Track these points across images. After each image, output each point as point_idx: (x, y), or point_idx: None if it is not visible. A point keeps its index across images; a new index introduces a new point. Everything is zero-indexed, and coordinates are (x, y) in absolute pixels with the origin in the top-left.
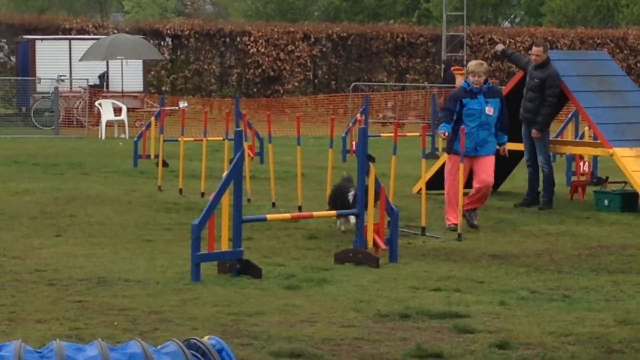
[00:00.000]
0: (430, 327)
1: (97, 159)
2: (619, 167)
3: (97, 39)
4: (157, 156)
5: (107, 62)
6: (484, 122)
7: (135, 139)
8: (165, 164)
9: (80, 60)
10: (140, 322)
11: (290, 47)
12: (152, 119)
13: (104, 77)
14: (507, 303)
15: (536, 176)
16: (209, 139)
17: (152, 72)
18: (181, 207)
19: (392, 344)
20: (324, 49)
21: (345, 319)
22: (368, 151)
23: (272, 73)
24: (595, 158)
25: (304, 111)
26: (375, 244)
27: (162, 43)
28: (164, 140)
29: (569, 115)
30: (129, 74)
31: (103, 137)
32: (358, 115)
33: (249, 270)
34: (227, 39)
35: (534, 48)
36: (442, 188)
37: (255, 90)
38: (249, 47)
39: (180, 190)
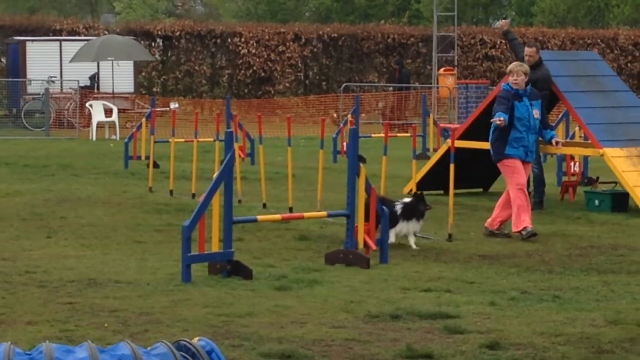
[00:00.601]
0: (421, 328)
1: (87, 160)
2: (609, 168)
3: (87, 40)
4: (147, 157)
5: (98, 63)
6: (532, 127)
7: (126, 140)
8: (156, 165)
9: (70, 61)
10: (130, 324)
11: (281, 48)
12: (143, 120)
13: (94, 78)
14: (498, 303)
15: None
16: (200, 140)
17: (143, 73)
18: (172, 209)
19: (382, 344)
20: (315, 50)
21: (335, 320)
22: (359, 152)
23: (263, 74)
24: (585, 158)
25: (295, 112)
26: (365, 244)
27: (153, 44)
28: (155, 142)
29: (560, 116)
30: (119, 75)
31: (94, 139)
32: (349, 116)
33: (239, 271)
34: (218, 40)
35: (526, 49)
36: (433, 188)
37: (246, 91)
38: (240, 48)
39: (171, 192)
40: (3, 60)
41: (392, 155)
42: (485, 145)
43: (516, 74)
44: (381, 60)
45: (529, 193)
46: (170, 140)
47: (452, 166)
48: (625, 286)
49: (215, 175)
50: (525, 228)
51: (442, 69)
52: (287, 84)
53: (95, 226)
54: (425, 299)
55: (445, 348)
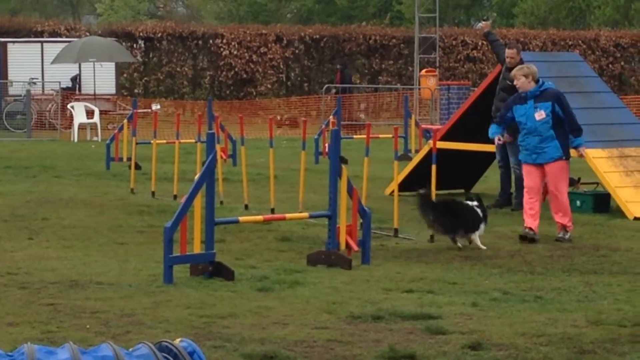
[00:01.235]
0: (403, 329)
1: (69, 161)
2: (590, 168)
3: (69, 41)
4: (129, 159)
5: (80, 65)
6: (531, 129)
7: (107, 141)
8: (137, 167)
9: (52, 62)
10: (112, 325)
11: (262, 50)
12: (125, 121)
13: (76, 79)
14: (480, 304)
15: (508, 177)
16: (182, 141)
17: (125, 75)
18: (154, 210)
19: (364, 345)
20: (297, 51)
21: (317, 321)
22: (340, 153)
23: (244, 75)
24: None
25: (277, 113)
26: (347, 245)
27: (135, 45)
28: (137, 143)
29: None
30: (101, 77)
31: (75, 140)
32: (331, 117)
33: (221, 272)
34: (200, 42)
35: (507, 50)
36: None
37: (228, 92)
38: (222, 49)
39: (153, 193)
40: None
41: (373, 157)
42: (467, 146)
43: (516, 79)
44: (363, 61)
45: (511, 194)
46: (152, 141)
47: (433, 167)
48: (607, 287)
49: (197, 177)
50: (525, 228)
51: (423, 70)
52: (269, 86)
53: (77, 227)
54: (408, 299)
55: (427, 349)
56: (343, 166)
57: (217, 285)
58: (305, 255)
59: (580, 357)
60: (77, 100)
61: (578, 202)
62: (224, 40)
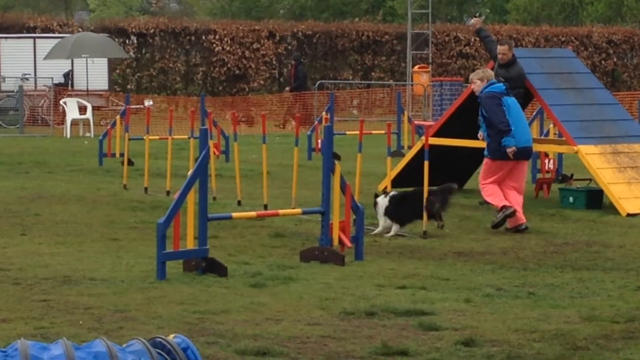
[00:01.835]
0: (396, 325)
1: (62, 157)
2: (583, 165)
3: (62, 37)
4: (122, 155)
5: (72, 61)
6: (480, 125)
7: (100, 137)
8: (130, 163)
9: (45, 58)
10: (105, 321)
11: (255, 45)
12: (118, 117)
13: (68, 75)
14: (473, 300)
15: None
16: (175, 137)
17: (117, 71)
18: (147, 206)
19: (357, 341)
20: (290, 47)
21: (311, 317)
22: (333, 149)
23: (237, 71)
24: (560, 155)
25: (270, 109)
26: (340, 241)
27: (127, 41)
28: (129, 139)
29: (534, 113)
30: (94, 73)
31: (68, 136)
32: (324, 113)
33: (214, 268)
34: (193, 37)
35: (499, 47)
36: (408, 186)
37: (220, 88)
38: (215, 45)
39: (146, 189)
40: None
41: (366, 153)
42: (460, 142)
43: (472, 83)
44: (356, 57)
45: None
46: (144, 137)
47: (426, 163)
48: (600, 283)
49: (190, 173)
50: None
51: (416, 67)
52: (262, 82)
53: (70, 223)
54: (400, 295)
55: (420, 345)
56: (336, 162)
57: (210, 281)
58: (299, 252)
59: (573, 353)
60: (70, 96)
61: (571, 199)
62: (217, 36)
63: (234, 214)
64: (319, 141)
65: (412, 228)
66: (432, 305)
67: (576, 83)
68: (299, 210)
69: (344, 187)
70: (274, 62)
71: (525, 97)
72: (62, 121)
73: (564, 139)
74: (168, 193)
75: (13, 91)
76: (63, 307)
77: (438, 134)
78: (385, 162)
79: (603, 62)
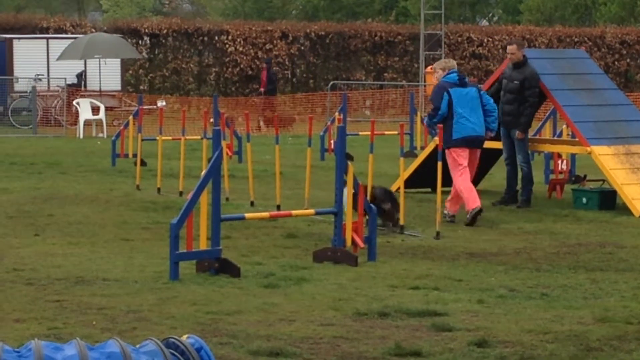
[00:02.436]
0: (409, 326)
1: (75, 158)
2: (597, 165)
3: (74, 38)
4: (135, 155)
5: (85, 61)
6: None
7: (113, 138)
8: (143, 163)
9: (57, 59)
10: (118, 321)
11: (268, 46)
12: (130, 118)
13: (81, 76)
14: (486, 301)
15: (515, 174)
16: (187, 138)
17: (130, 71)
18: (159, 206)
19: (370, 342)
20: (302, 48)
21: (323, 318)
22: (346, 150)
23: (250, 72)
24: (573, 156)
25: (282, 110)
26: (353, 242)
27: (140, 42)
28: (142, 139)
29: (547, 114)
30: (106, 73)
31: (81, 136)
32: (336, 114)
33: (227, 269)
34: (205, 38)
35: (507, 47)
36: (421, 186)
37: (233, 89)
38: (227, 46)
39: (159, 189)
40: None
41: (379, 153)
42: None
43: (435, 72)
44: (368, 58)
45: (517, 191)
46: (157, 138)
47: (439, 164)
48: (613, 284)
49: (203, 173)
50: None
51: (429, 67)
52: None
53: (83, 224)
54: (413, 296)
55: (433, 346)
56: (349, 163)
57: (223, 282)
58: (311, 252)
59: (587, 354)
60: (83, 96)
61: (584, 200)
62: (230, 37)
63: (247, 215)
64: (332, 142)
65: (426, 229)
66: (445, 306)
67: (589, 84)
68: (311, 210)
69: (356, 188)
70: (287, 63)
71: (539, 97)
72: (75, 122)
73: (577, 139)
74: (181, 194)
75: (26, 92)
76: (76, 307)
77: None
78: (397, 163)
79: (616, 62)
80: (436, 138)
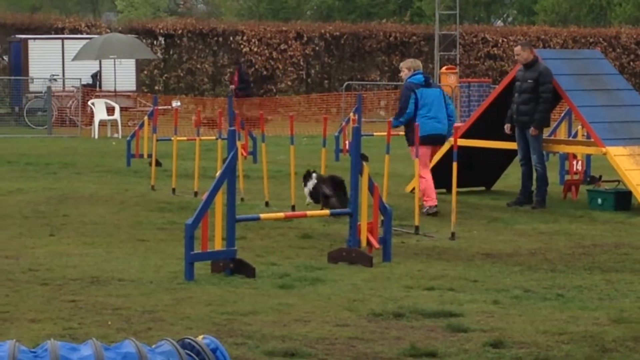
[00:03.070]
0: (424, 326)
1: (90, 158)
2: (612, 166)
3: (89, 38)
4: (150, 155)
5: (100, 62)
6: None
7: (128, 138)
8: (158, 164)
9: (73, 59)
10: (134, 322)
11: (283, 47)
12: (145, 118)
13: (96, 76)
14: (501, 302)
15: (530, 175)
16: (202, 138)
17: (145, 72)
18: (174, 207)
19: (386, 343)
20: (317, 48)
21: (339, 318)
22: (361, 150)
23: (265, 72)
24: (588, 157)
25: (297, 110)
26: (368, 243)
27: (155, 42)
28: (157, 140)
29: (562, 114)
30: (121, 74)
31: (96, 137)
32: (351, 114)
33: (242, 269)
34: (220, 38)
35: (514, 49)
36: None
37: None
38: (242, 46)
39: (174, 190)
40: (5, 58)
41: (394, 154)
42: (488, 143)
43: (402, 71)
44: (383, 58)
45: (532, 192)
46: (172, 138)
47: (454, 164)
48: (629, 285)
49: (218, 174)
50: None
51: (444, 68)
52: (289, 83)
53: (98, 224)
54: (429, 297)
55: (448, 346)
56: (364, 163)
57: (238, 282)
58: (326, 253)
59: (602, 355)
60: (98, 97)
61: (599, 200)
62: (244, 37)
63: (262, 215)
64: (347, 142)
65: (440, 229)
66: (461, 306)
67: (604, 84)
68: (326, 211)
69: (372, 188)
70: (302, 63)
71: (553, 97)
72: (90, 122)
73: (592, 140)
74: (196, 194)
75: (41, 92)
76: (91, 307)
77: (466, 135)
78: (412, 163)
79: (631, 63)
80: (451, 139)
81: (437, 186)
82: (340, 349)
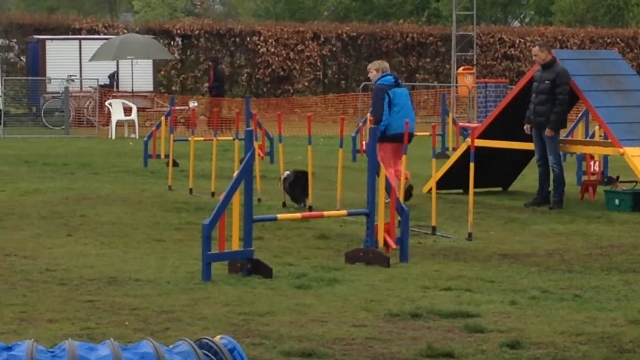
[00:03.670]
0: (441, 327)
1: (107, 158)
2: (629, 167)
3: (107, 39)
4: (167, 156)
5: (117, 62)
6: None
7: (145, 138)
8: (175, 164)
9: (90, 60)
10: (151, 322)
11: (300, 47)
12: (162, 118)
13: (114, 77)
14: (518, 302)
15: (547, 176)
16: (219, 138)
17: (162, 72)
18: (191, 207)
19: (403, 343)
20: (334, 49)
21: (356, 319)
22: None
23: (282, 73)
24: (605, 157)
25: (314, 111)
26: (385, 243)
27: (172, 43)
28: (174, 140)
29: (579, 115)
30: (139, 74)
31: (113, 137)
32: (368, 115)
33: (259, 269)
34: (237, 39)
35: (532, 50)
36: (453, 187)
37: (265, 90)
38: (259, 46)
39: (191, 190)
40: (23, 59)
41: (411, 154)
42: (505, 144)
43: (369, 72)
44: (400, 59)
45: (549, 192)
46: (189, 138)
47: (471, 165)
48: None
49: (235, 174)
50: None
51: (461, 68)
52: (306, 83)
53: (115, 224)
54: (446, 297)
55: (465, 347)
56: (381, 164)
57: (255, 283)
58: (344, 253)
59: (620, 356)
60: (115, 97)
61: (617, 201)
62: (261, 38)
63: (279, 216)
64: (364, 143)
65: (458, 230)
66: (478, 307)
67: (622, 85)
68: (344, 211)
69: (389, 189)
70: (319, 64)
71: (570, 98)
72: (107, 122)
73: (609, 141)
74: (213, 194)
75: (59, 92)
76: (109, 307)
77: (483, 135)
78: (430, 164)
79: None
80: (468, 139)
81: (454, 186)
82: (358, 349)
